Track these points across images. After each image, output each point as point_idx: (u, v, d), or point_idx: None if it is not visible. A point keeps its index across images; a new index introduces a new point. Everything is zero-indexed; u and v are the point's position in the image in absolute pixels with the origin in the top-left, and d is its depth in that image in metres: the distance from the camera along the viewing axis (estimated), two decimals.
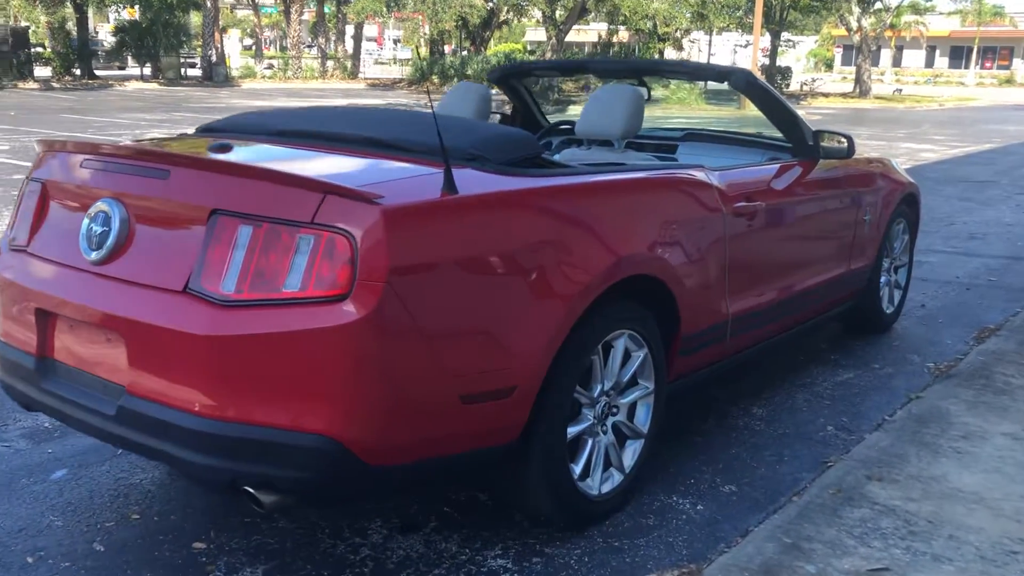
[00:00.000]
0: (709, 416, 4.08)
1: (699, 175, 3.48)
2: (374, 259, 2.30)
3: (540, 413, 2.78)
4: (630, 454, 3.23)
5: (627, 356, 3.16)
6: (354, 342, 2.29)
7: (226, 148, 2.88)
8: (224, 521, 3.05)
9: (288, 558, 2.84)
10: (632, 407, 3.25)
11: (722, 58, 49.93)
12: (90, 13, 36.98)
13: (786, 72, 38.96)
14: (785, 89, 36.68)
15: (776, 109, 4.28)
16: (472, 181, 2.67)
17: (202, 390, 2.35)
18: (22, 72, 31.51)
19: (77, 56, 34.22)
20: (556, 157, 4.03)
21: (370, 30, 62.64)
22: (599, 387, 3.02)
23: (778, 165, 4.15)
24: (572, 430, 2.93)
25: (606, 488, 3.11)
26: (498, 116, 5.22)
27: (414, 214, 2.42)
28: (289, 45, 42.36)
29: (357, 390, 2.33)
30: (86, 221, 2.65)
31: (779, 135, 4.46)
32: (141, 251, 2.56)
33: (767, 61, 39.30)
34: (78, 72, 34.07)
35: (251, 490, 2.37)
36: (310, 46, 50.74)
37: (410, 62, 43.54)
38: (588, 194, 2.93)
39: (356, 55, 45.42)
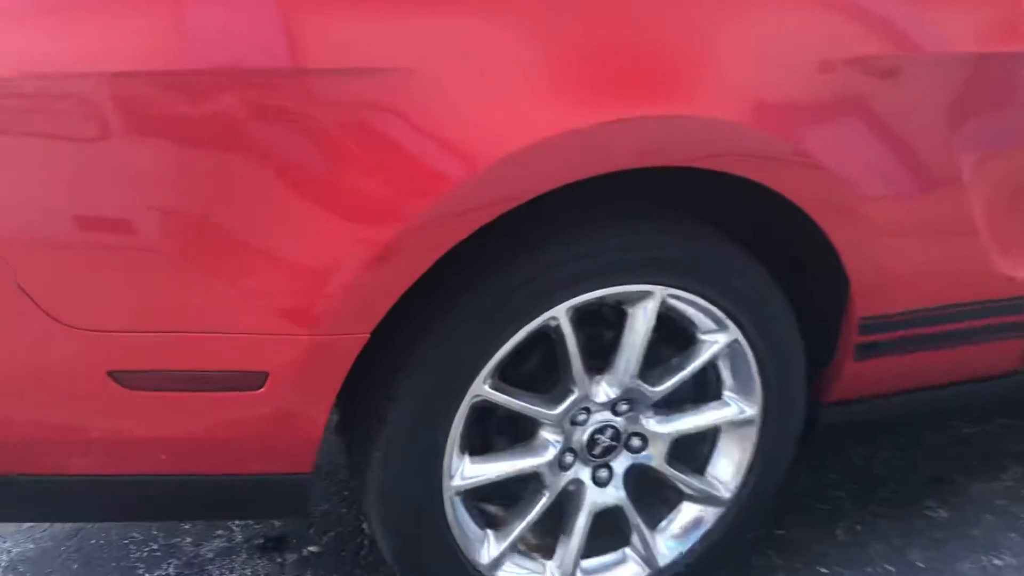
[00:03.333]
0: (1008, 471, 2.12)
1: None
2: None
3: (383, 427, 1.36)
4: (681, 532, 1.61)
5: (682, 341, 1.52)
6: None
7: None
8: None
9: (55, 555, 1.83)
10: (691, 443, 1.60)
11: None
12: None
13: None
14: None
15: None
16: None
17: None
18: None
19: None
20: None
21: None
22: (575, 395, 1.45)
23: None
24: (481, 469, 1.43)
25: None
26: None
27: None
28: None
29: None
30: None
31: None
32: None
33: None
34: None
35: None
36: None
37: None
38: None
39: None
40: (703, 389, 1.59)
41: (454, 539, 1.43)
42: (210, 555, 1.80)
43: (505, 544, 1.48)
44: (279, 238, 1.18)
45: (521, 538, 1.51)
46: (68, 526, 1.88)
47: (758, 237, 1.53)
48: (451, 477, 1.40)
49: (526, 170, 1.21)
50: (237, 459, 1.32)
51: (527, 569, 1.53)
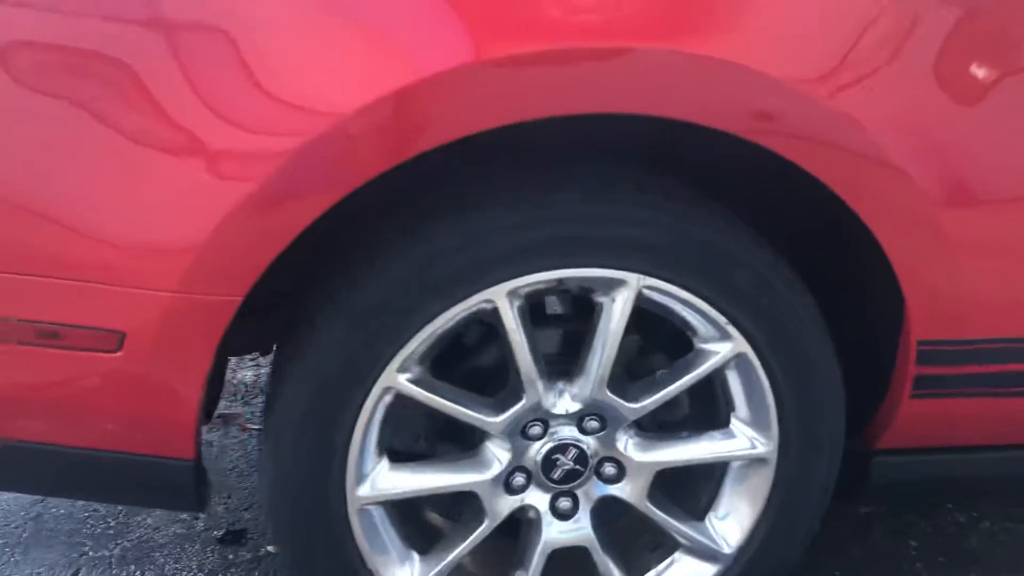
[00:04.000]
0: None
1: None
2: None
3: (271, 415, 1.14)
4: None
5: (674, 347, 1.21)
6: None
7: None
8: None
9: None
10: (692, 480, 1.29)
11: None
12: None
13: None
14: None
15: None
16: None
17: None
18: None
19: None
20: None
21: None
22: (523, 401, 1.16)
23: None
24: (403, 479, 1.18)
25: None
26: None
27: None
28: None
29: None
30: None
31: None
32: None
33: None
34: None
35: None
36: None
37: None
38: None
39: None
40: (714, 414, 1.27)
41: (361, 559, 1.18)
42: (163, 540, 1.63)
43: (432, 573, 1.21)
44: (134, 177, 0.99)
45: (457, 566, 1.24)
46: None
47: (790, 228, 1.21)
48: (358, 485, 1.15)
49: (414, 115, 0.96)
50: (106, 433, 1.13)
51: None
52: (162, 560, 1.58)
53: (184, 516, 1.70)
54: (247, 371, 2.21)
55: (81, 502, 1.72)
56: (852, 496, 1.36)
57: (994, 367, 1.18)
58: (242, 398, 2.13)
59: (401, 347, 1.09)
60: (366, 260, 1.09)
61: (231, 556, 1.60)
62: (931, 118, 1.07)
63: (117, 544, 1.62)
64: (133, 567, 1.56)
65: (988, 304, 1.15)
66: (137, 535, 1.64)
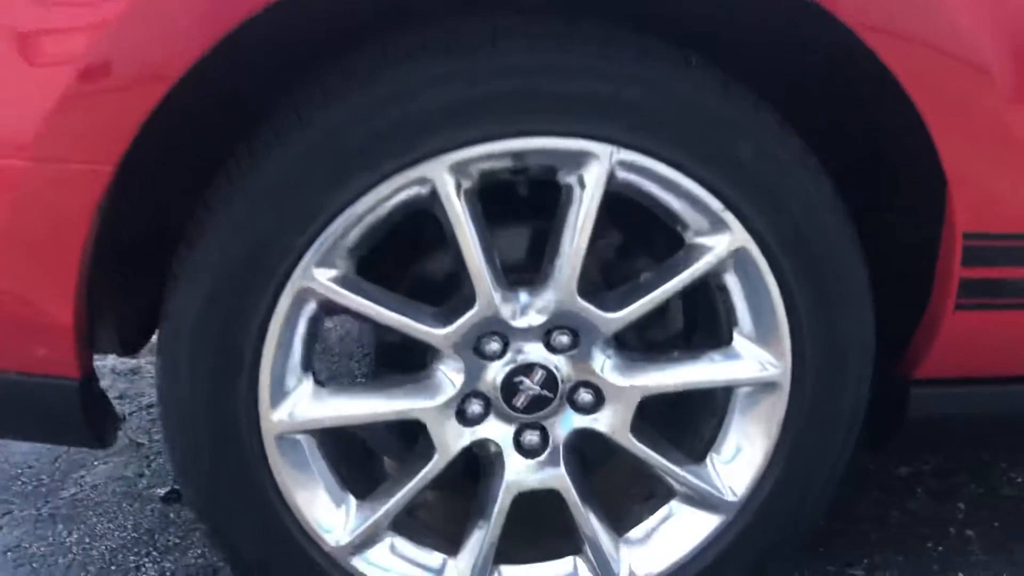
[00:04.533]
0: None
1: None
2: None
3: (163, 325, 0.95)
4: (662, 546, 1.06)
5: (665, 248, 1.00)
6: None
7: None
8: None
9: None
10: (690, 412, 1.07)
11: None
12: None
13: None
14: None
15: None
16: None
17: None
18: None
19: None
20: None
21: None
22: (475, 309, 0.94)
23: None
24: (333, 406, 0.97)
25: None
26: None
27: None
28: None
29: None
30: None
31: None
32: None
33: None
34: None
35: None
36: None
37: None
38: None
39: None
40: (713, 330, 1.05)
41: (280, 496, 0.97)
42: (99, 499, 1.45)
43: (372, 520, 1.00)
44: None
45: (409, 514, 1.03)
46: None
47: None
48: (274, 409, 0.95)
49: None
50: None
51: (414, 564, 1.05)
52: (95, 519, 1.40)
53: (128, 473, 1.51)
54: None
55: (17, 458, 1.55)
56: (886, 439, 1.13)
57: None
58: None
59: (317, 235, 0.88)
60: (272, 132, 0.89)
61: (172, 515, 1.41)
62: None
63: (47, 503, 1.44)
64: (60, 526, 1.38)
65: None
66: (71, 493, 1.46)
